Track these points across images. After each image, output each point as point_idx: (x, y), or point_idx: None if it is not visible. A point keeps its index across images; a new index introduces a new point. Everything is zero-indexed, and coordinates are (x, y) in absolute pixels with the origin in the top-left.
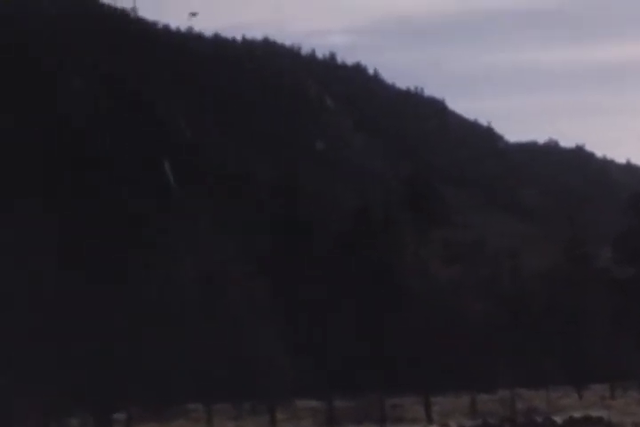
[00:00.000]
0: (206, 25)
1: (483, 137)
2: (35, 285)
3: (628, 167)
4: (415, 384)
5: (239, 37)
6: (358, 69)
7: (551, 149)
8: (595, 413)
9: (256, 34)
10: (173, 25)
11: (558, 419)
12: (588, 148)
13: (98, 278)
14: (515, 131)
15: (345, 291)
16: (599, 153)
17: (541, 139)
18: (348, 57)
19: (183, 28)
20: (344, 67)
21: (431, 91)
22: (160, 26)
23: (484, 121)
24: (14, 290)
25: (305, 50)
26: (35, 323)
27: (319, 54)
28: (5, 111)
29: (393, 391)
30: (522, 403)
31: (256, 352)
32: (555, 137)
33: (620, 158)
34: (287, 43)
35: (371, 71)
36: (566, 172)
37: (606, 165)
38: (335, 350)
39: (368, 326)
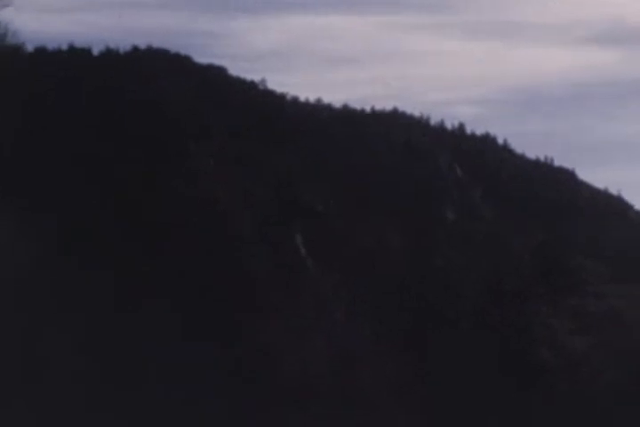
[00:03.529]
0: (335, 96)
1: (613, 206)
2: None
3: None
4: None
5: (368, 108)
6: (487, 139)
7: None
8: None
9: (385, 104)
10: (302, 96)
11: None
12: None
13: (227, 349)
14: None
15: (478, 365)
16: None
17: None
18: (476, 127)
19: (312, 99)
20: (473, 137)
21: (561, 160)
22: (289, 97)
23: (614, 190)
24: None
25: (434, 120)
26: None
27: (448, 125)
28: (142, 190)
29: None
30: None
31: None
32: None
33: None
34: (416, 113)
35: (500, 141)
36: None
37: None
38: (468, 423)
39: (499, 398)
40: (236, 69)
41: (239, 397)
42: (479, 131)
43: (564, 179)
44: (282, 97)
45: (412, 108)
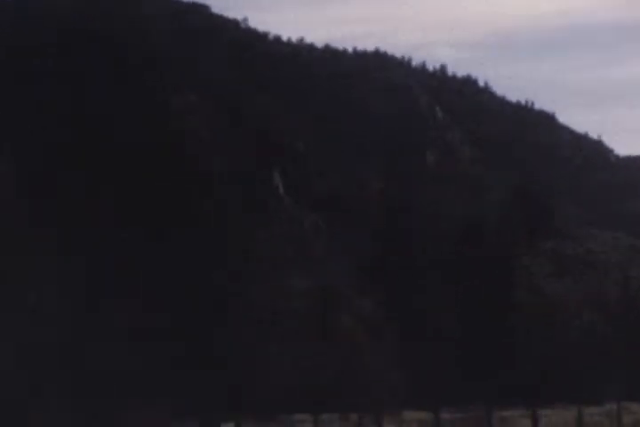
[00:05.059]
0: (317, 35)
1: (593, 150)
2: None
3: None
4: (523, 397)
5: (350, 48)
6: (469, 82)
7: None
8: None
9: (367, 45)
10: (284, 36)
11: None
12: None
13: (209, 290)
14: (625, 144)
15: (454, 303)
16: None
17: None
18: (458, 69)
19: (294, 38)
20: (454, 79)
21: (541, 104)
22: (271, 36)
23: (594, 134)
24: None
25: (415, 62)
26: (154, 331)
27: (429, 66)
28: (118, 126)
29: (501, 404)
30: (629, 416)
31: (364, 364)
32: None
33: None
34: (397, 54)
35: (481, 84)
36: None
37: None
38: (444, 362)
39: (476, 339)
40: (219, 8)
41: (218, 332)
42: (460, 73)
43: (545, 122)
44: (264, 36)
45: (394, 48)
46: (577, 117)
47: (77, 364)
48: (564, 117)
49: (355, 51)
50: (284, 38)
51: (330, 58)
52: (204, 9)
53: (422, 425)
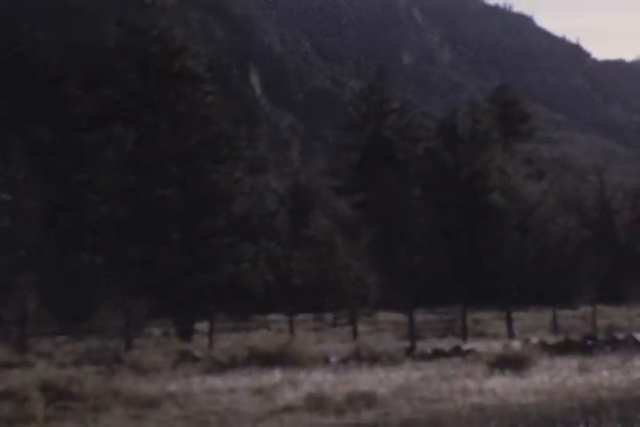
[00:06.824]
0: None
1: (570, 54)
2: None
3: None
4: (497, 300)
5: None
6: None
7: (639, 67)
8: None
9: None
10: None
11: (639, 336)
12: None
13: (186, 192)
14: (603, 49)
15: (430, 205)
16: None
17: (629, 57)
18: None
19: None
20: None
21: (520, 7)
22: None
23: (572, 38)
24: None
25: None
26: (131, 233)
27: None
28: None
29: (475, 306)
30: (602, 320)
31: (340, 265)
32: None
33: None
34: None
35: None
36: None
37: None
38: (419, 263)
39: (451, 241)
40: None
41: (190, 229)
42: None
43: (522, 25)
44: None
45: None
46: (555, 21)
47: (51, 259)
48: (541, 21)
49: None
50: None
51: None
52: None
53: (396, 326)
